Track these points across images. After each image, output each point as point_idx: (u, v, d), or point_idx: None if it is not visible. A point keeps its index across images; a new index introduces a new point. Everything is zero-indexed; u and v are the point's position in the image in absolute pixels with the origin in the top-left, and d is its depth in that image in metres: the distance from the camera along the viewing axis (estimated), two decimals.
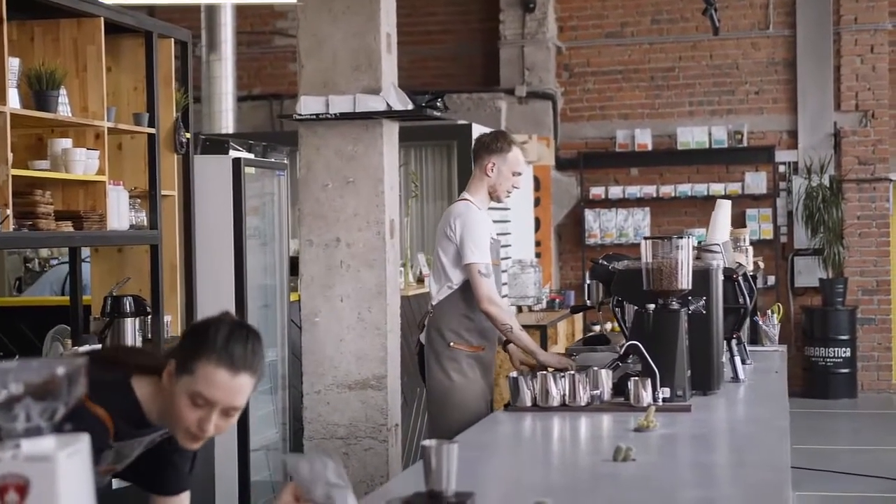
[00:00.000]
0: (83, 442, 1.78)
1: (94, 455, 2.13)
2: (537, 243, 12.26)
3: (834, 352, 11.98)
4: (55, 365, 1.79)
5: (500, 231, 10.31)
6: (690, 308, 4.39)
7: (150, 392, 2.62)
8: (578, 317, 11.27)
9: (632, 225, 12.68)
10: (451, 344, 5.12)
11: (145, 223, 5.59)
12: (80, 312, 5.64)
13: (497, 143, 5.24)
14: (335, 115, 5.59)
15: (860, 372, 12.20)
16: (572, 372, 4.26)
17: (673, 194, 12.54)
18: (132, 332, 5.47)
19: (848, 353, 12.00)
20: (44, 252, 8.73)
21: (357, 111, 5.60)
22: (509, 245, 10.59)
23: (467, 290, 5.07)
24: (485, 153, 5.24)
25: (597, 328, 11.75)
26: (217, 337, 2.51)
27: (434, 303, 5.20)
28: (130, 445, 2.66)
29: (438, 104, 5.91)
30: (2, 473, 1.69)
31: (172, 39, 5.89)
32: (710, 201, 12.28)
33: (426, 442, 2.67)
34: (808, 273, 12.35)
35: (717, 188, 12.39)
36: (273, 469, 6.52)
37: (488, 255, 5.08)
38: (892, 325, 12.47)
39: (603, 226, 12.75)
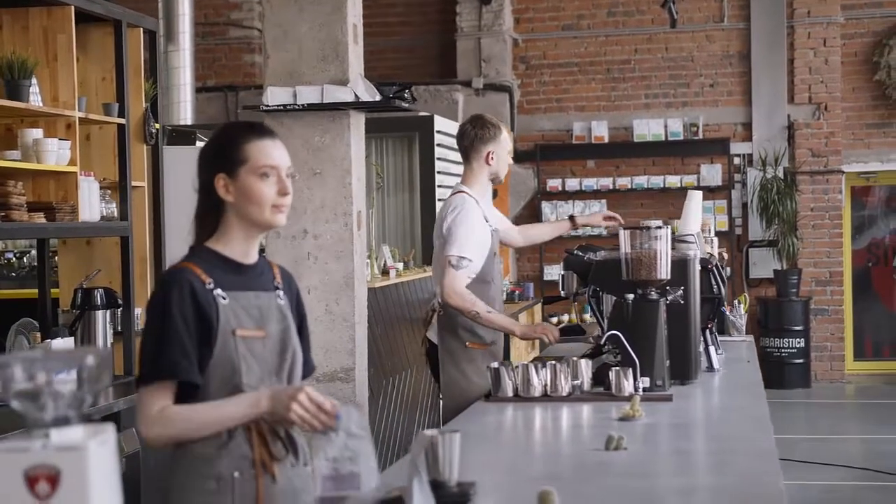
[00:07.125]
0: (110, 432, 1.77)
1: (217, 311, 2.69)
2: None
3: (788, 342, 12.11)
4: (84, 354, 1.78)
5: None
6: (669, 298, 4.41)
7: (223, 238, 2.81)
8: (537, 308, 11.32)
9: None
10: (468, 344, 5.05)
11: (115, 215, 5.53)
12: (49, 305, 5.56)
13: (490, 130, 5.15)
14: (302, 105, 5.55)
15: (814, 362, 12.35)
16: (554, 362, 4.26)
17: (629, 186, 12.60)
18: (103, 325, 5.41)
19: (802, 344, 12.14)
20: (22, 243, 8.53)
21: (325, 102, 5.57)
22: None
23: (474, 285, 4.99)
24: (480, 144, 5.15)
25: (554, 320, 11.80)
26: (238, 131, 2.82)
27: (442, 301, 5.07)
28: (246, 298, 2.78)
29: (406, 95, 5.89)
30: (33, 464, 1.67)
31: (141, 29, 5.83)
32: (665, 193, 12.39)
33: (429, 431, 2.67)
34: (763, 264, 12.46)
35: (672, 180, 12.47)
36: None
37: (468, 249, 4.99)
38: (845, 315, 12.63)
39: (560, 217, 12.78)
